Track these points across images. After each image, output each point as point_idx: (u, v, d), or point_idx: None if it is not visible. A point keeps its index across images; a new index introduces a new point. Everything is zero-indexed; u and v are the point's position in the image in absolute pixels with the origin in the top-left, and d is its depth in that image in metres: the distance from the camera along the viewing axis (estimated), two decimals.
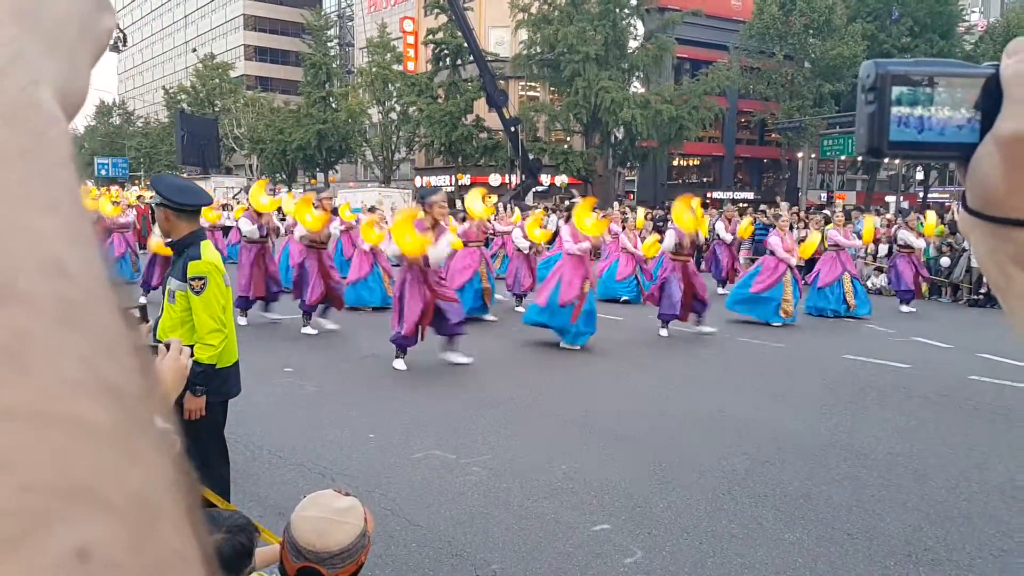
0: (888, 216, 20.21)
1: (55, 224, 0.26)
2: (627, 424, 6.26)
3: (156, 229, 7.70)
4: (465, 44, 31.97)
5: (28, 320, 0.24)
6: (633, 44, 34.65)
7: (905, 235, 13.49)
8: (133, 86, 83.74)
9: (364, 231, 11.42)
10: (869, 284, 15.20)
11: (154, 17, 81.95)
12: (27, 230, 0.25)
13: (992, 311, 13.19)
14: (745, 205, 29.27)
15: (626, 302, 13.10)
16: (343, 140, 42.48)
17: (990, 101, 0.52)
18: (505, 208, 16.22)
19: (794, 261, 11.34)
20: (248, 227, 10.28)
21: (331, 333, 9.96)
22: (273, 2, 66.77)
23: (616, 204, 22.42)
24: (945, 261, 15.33)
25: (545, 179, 34.15)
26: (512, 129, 31.83)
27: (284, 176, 45.51)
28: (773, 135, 39.63)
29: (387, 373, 7.87)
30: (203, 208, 4.09)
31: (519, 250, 12.44)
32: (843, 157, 33.90)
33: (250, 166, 46.34)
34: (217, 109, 48.58)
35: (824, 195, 35.73)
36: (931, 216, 14.66)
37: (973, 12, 47.82)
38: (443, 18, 34.37)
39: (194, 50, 55.45)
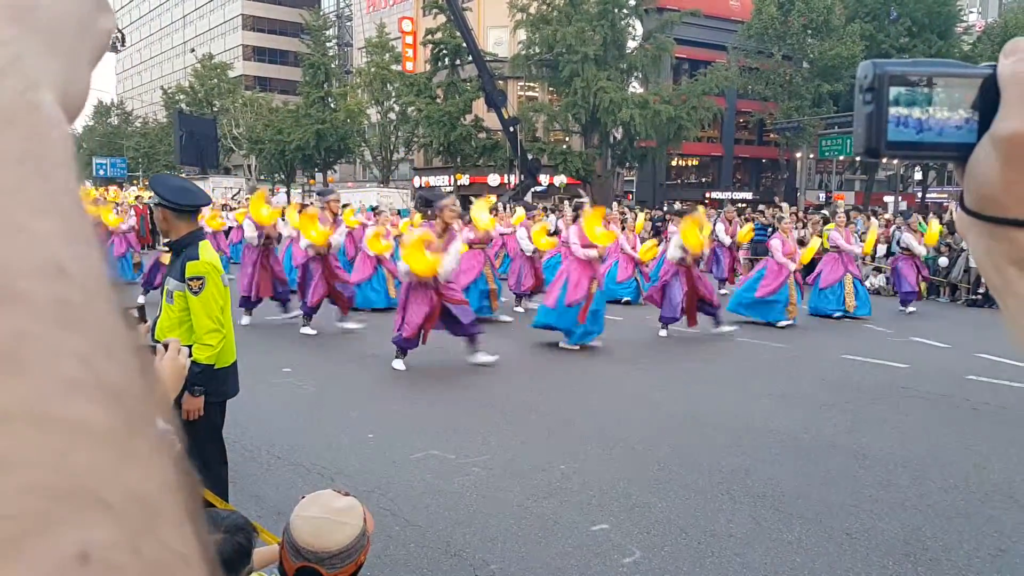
0: (886, 216, 20.19)
1: (55, 225, 0.26)
2: (626, 424, 6.26)
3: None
4: (464, 44, 31.97)
5: (27, 321, 0.24)
6: (632, 44, 34.68)
7: (908, 239, 13.43)
8: (131, 86, 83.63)
9: (371, 243, 11.45)
10: (868, 284, 15.19)
11: (152, 17, 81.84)
12: (26, 231, 0.25)
13: (990, 311, 13.19)
14: (744, 205, 29.29)
15: (627, 303, 13.10)
16: (342, 140, 42.45)
17: (988, 101, 0.52)
18: (504, 208, 16.18)
19: (793, 267, 11.27)
20: (250, 232, 10.39)
21: (331, 333, 9.94)
22: (271, 2, 66.70)
23: (615, 204, 22.41)
24: (943, 261, 15.34)
25: (544, 179, 34.14)
26: (511, 129, 31.83)
27: (283, 176, 45.49)
28: (772, 135, 39.67)
29: (387, 373, 7.87)
30: (204, 211, 4.09)
31: (522, 250, 12.40)
32: (841, 157, 33.96)
33: (248, 166, 46.29)
34: (215, 109, 48.54)
35: (822, 195, 35.76)
36: (934, 224, 14.53)
37: (971, 12, 47.88)
38: (442, 18, 34.36)
39: (192, 50, 55.34)
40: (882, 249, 16.23)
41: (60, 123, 0.29)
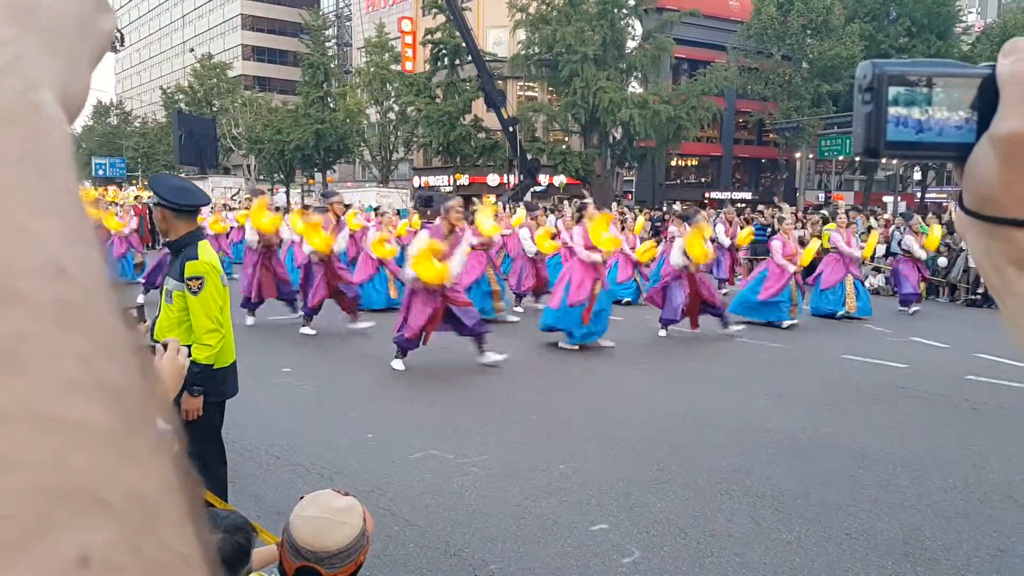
0: (886, 216, 20.17)
1: (55, 225, 0.26)
2: (625, 424, 6.26)
3: None
4: (463, 44, 31.96)
5: (27, 321, 0.24)
6: (631, 44, 34.69)
7: (909, 241, 13.40)
8: (131, 86, 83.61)
9: (376, 248, 11.44)
10: (867, 284, 15.19)
11: (152, 17, 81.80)
12: (26, 231, 0.25)
13: (989, 311, 13.19)
14: (743, 205, 29.29)
15: (627, 303, 13.10)
16: (341, 140, 42.42)
17: (987, 101, 0.52)
18: (504, 209, 16.15)
19: (793, 269, 11.25)
20: (251, 236, 10.44)
21: (331, 333, 9.93)
22: (271, 2, 66.68)
23: (615, 204, 22.41)
24: (943, 261, 15.34)
25: (543, 179, 34.14)
26: (510, 129, 31.82)
27: (282, 176, 45.46)
28: (771, 135, 39.67)
29: (386, 373, 7.87)
30: (205, 214, 4.09)
31: (523, 251, 12.37)
32: (841, 157, 33.96)
33: (248, 166, 46.25)
34: (215, 109, 48.51)
35: (822, 195, 35.76)
36: (936, 229, 14.47)
37: (970, 13, 47.88)
38: (441, 18, 34.35)
39: (191, 50, 55.31)
40: (881, 249, 16.22)
41: (60, 123, 0.29)
